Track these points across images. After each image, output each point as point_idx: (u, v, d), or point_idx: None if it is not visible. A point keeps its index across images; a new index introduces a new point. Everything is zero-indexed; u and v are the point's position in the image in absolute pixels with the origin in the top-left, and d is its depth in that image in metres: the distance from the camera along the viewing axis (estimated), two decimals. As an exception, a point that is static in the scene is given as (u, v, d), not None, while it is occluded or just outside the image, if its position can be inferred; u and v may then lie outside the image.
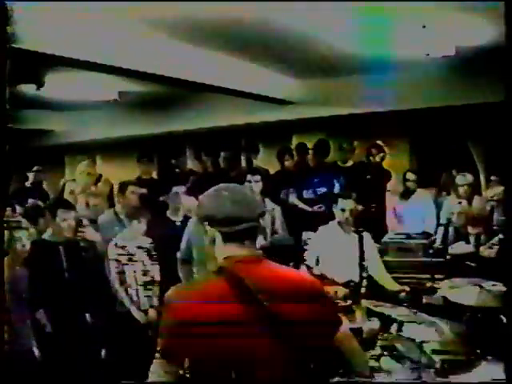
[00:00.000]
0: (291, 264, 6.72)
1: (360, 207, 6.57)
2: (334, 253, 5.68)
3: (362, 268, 5.67)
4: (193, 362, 2.19)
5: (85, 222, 6.31)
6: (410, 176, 8.10)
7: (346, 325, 2.48)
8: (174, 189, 7.16)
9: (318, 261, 5.74)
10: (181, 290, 2.38)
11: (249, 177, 7.05)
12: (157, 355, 2.26)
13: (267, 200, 7.27)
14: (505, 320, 3.98)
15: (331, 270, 5.58)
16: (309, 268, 5.71)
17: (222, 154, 9.39)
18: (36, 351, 5.31)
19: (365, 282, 5.67)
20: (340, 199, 5.92)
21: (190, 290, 2.37)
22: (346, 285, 5.49)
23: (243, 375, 2.18)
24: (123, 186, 6.96)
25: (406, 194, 8.09)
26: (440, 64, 7.30)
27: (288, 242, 6.51)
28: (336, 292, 5.36)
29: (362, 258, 5.71)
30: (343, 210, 5.79)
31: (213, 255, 2.42)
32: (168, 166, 10.30)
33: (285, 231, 7.16)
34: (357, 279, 5.59)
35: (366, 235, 5.87)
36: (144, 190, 7.47)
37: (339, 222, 5.82)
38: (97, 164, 9.97)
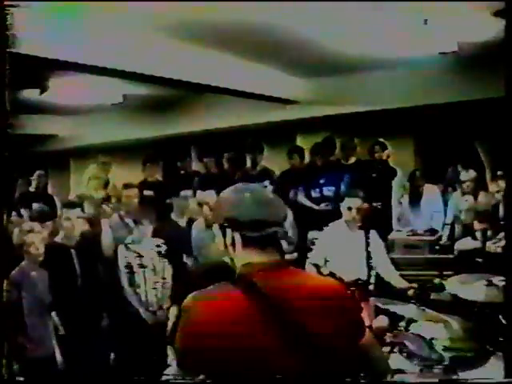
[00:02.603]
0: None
1: (366, 205, 6.55)
2: (342, 251, 5.67)
3: (370, 266, 5.67)
4: (208, 375, 2.07)
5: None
6: (417, 177, 8.13)
7: (369, 333, 2.34)
8: (182, 193, 7.24)
9: (326, 260, 5.73)
10: (197, 301, 2.16)
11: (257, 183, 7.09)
12: (173, 364, 2.27)
13: None
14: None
15: (339, 268, 5.58)
16: (317, 267, 5.71)
17: (226, 154, 9.40)
18: (58, 356, 5.34)
19: (373, 280, 5.66)
20: (346, 198, 5.91)
21: (207, 301, 2.14)
22: (353, 283, 5.49)
23: None
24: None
25: (415, 193, 8.09)
26: (443, 60, 7.29)
27: None
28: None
29: (369, 256, 5.70)
30: (350, 209, 5.78)
31: (232, 262, 2.28)
32: (173, 168, 10.31)
33: (294, 234, 7.17)
34: (364, 277, 5.59)
35: (373, 233, 5.86)
36: (150, 193, 7.51)
37: (346, 221, 5.81)
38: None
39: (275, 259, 2.21)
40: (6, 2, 3.26)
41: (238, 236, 2.19)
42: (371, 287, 5.59)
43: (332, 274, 5.56)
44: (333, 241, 5.79)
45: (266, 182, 7.09)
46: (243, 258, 2.20)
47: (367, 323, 4.68)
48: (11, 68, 3.24)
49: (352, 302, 2.37)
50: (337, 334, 2.12)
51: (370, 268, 5.65)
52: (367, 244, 5.73)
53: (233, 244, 2.20)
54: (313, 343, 2.06)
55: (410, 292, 5.21)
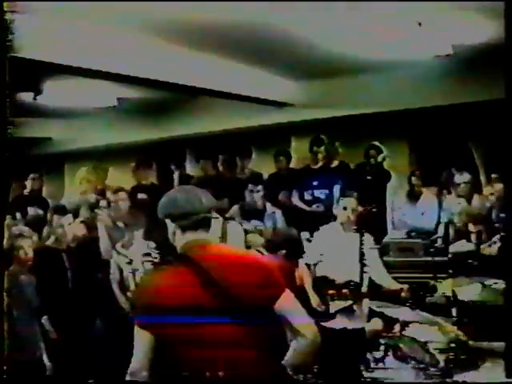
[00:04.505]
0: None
1: (361, 208, 6.56)
2: (335, 253, 5.66)
3: (363, 268, 5.65)
4: (162, 334, 2.67)
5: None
6: (415, 181, 8.13)
7: (289, 293, 2.82)
8: None
9: (319, 261, 5.72)
10: (150, 275, 3.20)
11: (250, 186, 7.08)
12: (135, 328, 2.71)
13: (268, 204, 7.30)
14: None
15: (332, 270, 5.58)
16: (309, 267, 5.71)
17: (220, 157, 9.40)
18: (46, 360, 5.32)
19: (366, 282, 5.65)
20: (342, 198, 5.90)
21: (158, 275, 2.98)
22: (346, 285, 5.49)
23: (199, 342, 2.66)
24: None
25: (413, 197, 8.10)
26: (438, 63, 7.31)
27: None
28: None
29: (362, 258, 5.69)
30: (345, 209, 5.77)
31: (174, 244, 2.94)
32: (167, 171, 10.31)
33: None
34: (357, 279, 5.58)
35: (367, 236, 5.85)
36: (144, 196, 7.51)
37: (341, 222, 5.80)
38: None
39: (206, 238, 2.90)
40: (6, 7, 3.25)
41: (176, 226, 2.89)
42: (364, 289, 5.58)
43: (324, 277, 5.58)
44: (326, 242, 5.78)
45: (260, 187, 7.08)
46: (183, 240, 2.89)
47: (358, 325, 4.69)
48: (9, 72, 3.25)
49: (269, 267, 2.88)
50: (256, 292, 2.72)
51: (363, 270, 5.64)
52: (361, 246, 5.72)
53: (174, 232, 2.91)
54: (236, 299, 2.67)
55: (403, 295, 5.20)
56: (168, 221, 2.92)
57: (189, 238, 2.87)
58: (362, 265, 5.63)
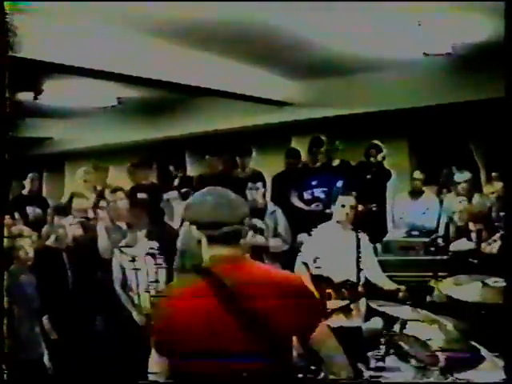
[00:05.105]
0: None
1: (360, 207, 6.55)
2: (332, 251, 5.65)
3: (359, 267, 5.65)
4: (180, 357, 2.40)
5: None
6: (418, 175, 8.10)
7: (325, 326, 2.57)
8: (165, 196, 7.18)
9: (315, 259, 5.71)
10: (168, 297, 2.61)
11: (250, 185, 7.06)
12: (152, 350, 2.48)
13: (269, 202, 7.29)
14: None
15: (328, 268, 5.57)
16: (306, 266, 5.71)
17: (221, 156, 9.39)
18: (46, 360, 5.33)
19: (362, 281, 5.64)
20: (340, 196, 5.89)
21: (177, 290, 2.62)
22: (342, 284, 5.48)
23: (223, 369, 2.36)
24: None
25: (414, 196, 8.09)
26: (438, 62, 7.31)
27: None
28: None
29: (359, 257, 5.69)
30: (343, 206, 5.75)
31: (199, 255, 2.56)
32: (167, 171, 10.31)
33: (288, 233, 7.16)
34: (353, 278, 5.58)
35: (363, 235, 5.84)
36: (144, 195, 7.50)
37: (338, 221, 5.79)
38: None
39: (235, 253, 2.50)
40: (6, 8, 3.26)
41: (202, 234, 2.50)
42: (360, 288, 5.58)
43: (320, 276, 5.57)
44: (324, 240, 5.77)
45: (259, 184, 7.07)
46: (209, 252, 2.50)
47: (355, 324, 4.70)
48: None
49: (308, 294, 2.58)
50: (290, 321, 2.39)
51: (359, 269, 5.64)
52: (358, 245, 5.72)
53: (199, 241, 2.52)
54: (263, 326, 2.34)
55: (401, 295, 5.19)
56: (193, 227, 2.52)
57: (216, 252, 2.49)
58: (359, 264, 5.64)
